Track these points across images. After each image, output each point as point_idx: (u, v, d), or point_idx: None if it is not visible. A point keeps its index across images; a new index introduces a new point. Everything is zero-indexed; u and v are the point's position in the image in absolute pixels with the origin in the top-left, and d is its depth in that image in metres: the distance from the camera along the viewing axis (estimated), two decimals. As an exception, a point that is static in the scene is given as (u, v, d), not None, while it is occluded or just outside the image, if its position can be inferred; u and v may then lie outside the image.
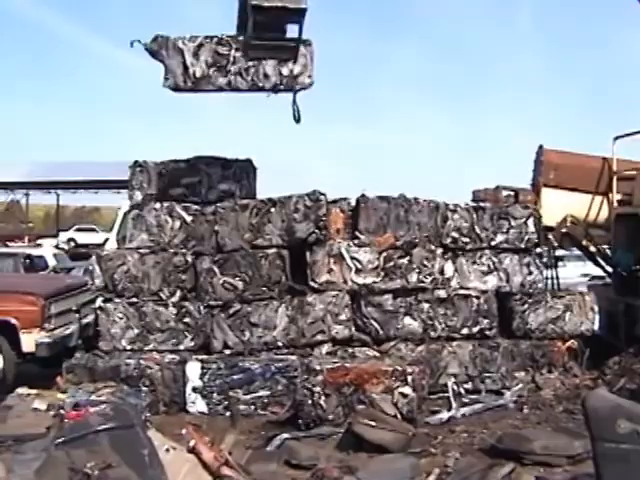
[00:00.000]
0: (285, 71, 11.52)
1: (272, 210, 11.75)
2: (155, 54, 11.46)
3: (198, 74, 11.49)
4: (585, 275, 19.42)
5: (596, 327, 12.51)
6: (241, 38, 11.23)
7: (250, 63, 11.48)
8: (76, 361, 11.41)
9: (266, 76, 11.54)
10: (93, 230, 55.67)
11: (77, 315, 12.85)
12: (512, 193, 13.81)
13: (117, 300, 11.82)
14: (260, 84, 11.58)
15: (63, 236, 52.68)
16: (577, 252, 16.57)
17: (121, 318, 11.69)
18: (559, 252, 15.45)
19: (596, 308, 12.47)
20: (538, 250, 12.63)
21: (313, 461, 8.15)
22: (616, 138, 14.59)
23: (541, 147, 15.10)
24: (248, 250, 11.69)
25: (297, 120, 11.36)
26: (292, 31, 10.68)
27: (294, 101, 11.45)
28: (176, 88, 11.59)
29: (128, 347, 11.67)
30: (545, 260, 13.22)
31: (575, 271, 20.16)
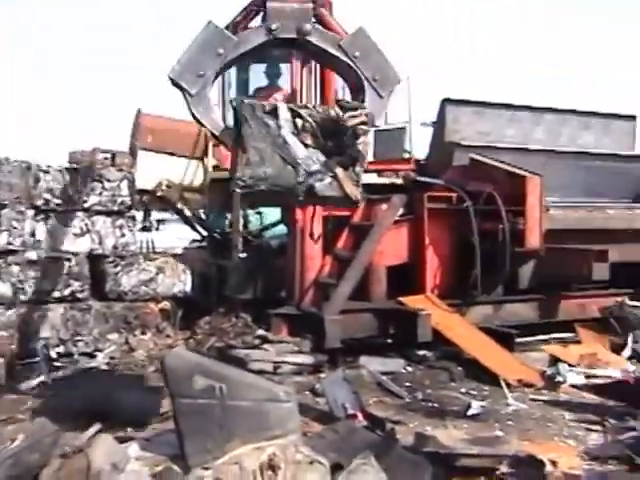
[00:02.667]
0: None
1: None
2: None
3: None
4: (182, 238, 19.84)
5: (188, 288, 12.85)
6: None
7: None
8: None
9: None
10: None
11: None
12: (109, 156, 13.81)
13: None
14: None
15: None
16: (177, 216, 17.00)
17: None
18: (160, 215, 15.77)
19: (188, 270, 12.82)
20: (132, 213, 12.74)
21: None
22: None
23: (139, 111, 15.30)
24: None
25: None
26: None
27: None
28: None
29: None
30: (141, 224, 13.39)
31: (174, 235, 20.55)
